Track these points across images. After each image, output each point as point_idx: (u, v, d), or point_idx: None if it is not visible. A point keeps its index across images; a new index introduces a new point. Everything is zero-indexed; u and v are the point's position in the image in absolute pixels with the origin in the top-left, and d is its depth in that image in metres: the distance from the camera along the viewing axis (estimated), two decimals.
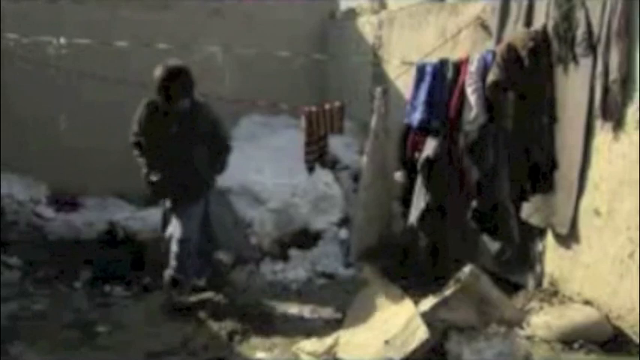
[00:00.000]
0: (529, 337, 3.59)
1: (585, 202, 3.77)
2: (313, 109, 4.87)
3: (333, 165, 5.88)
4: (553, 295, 3.95)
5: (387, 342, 3.35)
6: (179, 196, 4.39)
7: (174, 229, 4.39)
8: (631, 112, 3.45)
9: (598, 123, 3.65)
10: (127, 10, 6.27)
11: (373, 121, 4.88)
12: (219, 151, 4.51)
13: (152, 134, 4.34)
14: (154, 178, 4.34)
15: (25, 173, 6.19)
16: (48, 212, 6.12)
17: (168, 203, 4.49)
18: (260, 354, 3.64)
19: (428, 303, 3.60)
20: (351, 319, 3.77)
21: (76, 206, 6.15)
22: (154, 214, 4.92)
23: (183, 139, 4.29)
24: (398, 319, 3.44)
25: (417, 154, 4.18)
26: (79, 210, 6.08)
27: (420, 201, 4.13)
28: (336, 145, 5.82)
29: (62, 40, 4.45)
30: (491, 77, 3.75)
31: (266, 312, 4.22)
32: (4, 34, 4.95)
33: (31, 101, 6.29)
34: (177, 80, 4.21)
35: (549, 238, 4.07)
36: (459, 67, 4.02)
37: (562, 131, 3.84)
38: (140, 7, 6.53)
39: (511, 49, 3.75)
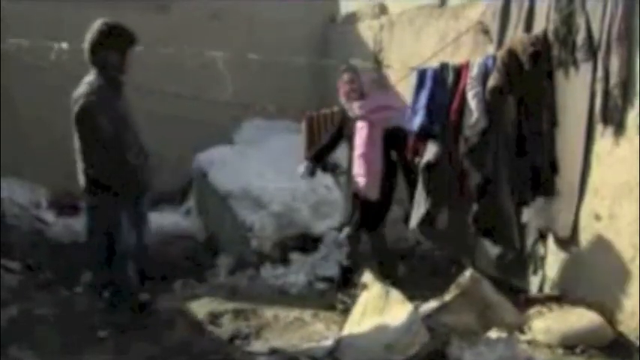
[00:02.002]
0: (530, 342, 3.59)
1: (586, 207, 3.77)
2: (314, 113, 4.88)
3: (333, 169, 5.88)
4: (555, 299, 3.94)
5: (387, 346, 3.35)
6: (145, 186, 3.95)
7: (146, 229, 4.09)
8: (632, 117, 3.46)
9: (599, 128, 3.66)
10: (128, 14, 6.28)
11: None
12: None
13: (110, 117, 3.70)
14: (136, 160, 3.75)
15: (27, 177, 6.20)
16: (49, 216, 6.14)
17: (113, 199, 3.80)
18: (261, 358, 3.63)
19: (429, 307, 3.60)
20: (352, 323, 3.77)
21: (77, 210, 6.16)
22: (157, 218, 4.90)
23: (130, 116, 3.84)
24: (399, 323, 3.44)
25: (417, 159, 4.19)
26: (80, 214, 6.07)
27: (420, 206, 4.13)
28: (337, 149, 5.82)
29: (64, 45, 4.45)
30: (491, 82, 3.76)
31: (266, 316, 4.22)
32: (6, 38, 4.96)
33: (32, 105, 6.31)
34: (133, 40, 3.73)
35: (550, 242, 4.08)
36: (460, 71, 4.03)
37: (563, 136, 3.84)
38: (141, 10, 6.55)
39: (512, 53, 3.76)
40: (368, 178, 4.48)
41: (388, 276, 4.46)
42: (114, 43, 3.70)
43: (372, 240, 4.69)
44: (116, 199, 3.81)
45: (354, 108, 4.51)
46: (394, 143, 4.44)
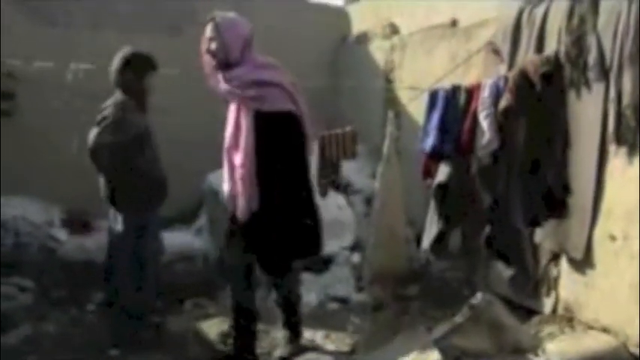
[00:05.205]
0: None
1: (600, 227, 3.74)
2: (326, 133, 4.90)
3: (345, 189, 5.88)
4: (568, 321, 3.90)
5: None
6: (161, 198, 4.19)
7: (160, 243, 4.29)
8: None
9: (612, 148, 3.64)
10: (142, 37, 6.36)
11: (385, 145, 4.89)
12: None
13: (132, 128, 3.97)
14: (154, 172, 4.04)
15: (40, 195, 6.24)
16: (61, 234, 6.16)
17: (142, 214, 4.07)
18: None
19: (441, 329, 3.57)
20: (364, 345, 3.75)
21: (89, 229, 6.19)
22: (168, 237, 4.91)
23: (151, 131, 4.11)
24: (411, 345, 3.42)
25: (429, 180, 4.19)
26: (93, 233, 6.11)
27: (432, 226, 4.13)
28: (349, 168, 5.82)
29: (80, 66, 4.53)
30: (503, 103, 3.77)
31: (278, 337, 4.20)
32: (21, 59, 5.04)
33: (45, 125, 6.37)
34: (154, 65, 4.08)
35: (563, 263, 4.04)
36: (471, 92, 4.04)
37: (575, 156, 3.83)
38: (154, 33, 6.62)
39: (523, 74, 3.77)
40: (241, 188, 3.35)
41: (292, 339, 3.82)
42: (136, 68, 4.03)
43: (276, 290, 3.76)
44: (137, 209, 4.02)
45: (219, 81, 3.43)
46: (273, 134, 3.34)
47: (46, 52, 5.50)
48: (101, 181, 4.06)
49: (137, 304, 4.06)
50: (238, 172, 3.35)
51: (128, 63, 4.03)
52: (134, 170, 3.96)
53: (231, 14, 3.50)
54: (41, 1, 6.28)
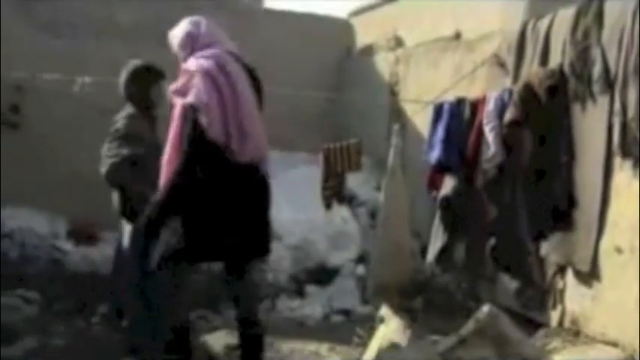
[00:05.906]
0: None
1: (606, 240, 3.73)
2: (331, 145, 4.91)
3: (350, 201, 5.88)
4: (575, 334, 3.88)
5: None
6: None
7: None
8: None
9: (617, 160, 3.64)
10: (147, 48, 6.40)
11: (390, 158, 4.90)
12: None
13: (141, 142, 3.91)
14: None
15: (46, 207, 6.27)
16: (67, 246, 6.18)
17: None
18: None
19: (446, 342, 3.56)
20: (369, 358, 3.73)
21: (96, 240, 6.20)
22: None
23: (159, 146, 3.94)
24: (416, 358, 3.40)
25: (434, 193, 4.19)
26: (98, 244, 6.12)
27: (437, 239, 4.13)
28: (353, 181, 5.83)
29: (86, 78, 4.56)
30: (508, 116, 3.78)
31: (283, 349, 4.19)
32: (26, 71, 5.07)
33: (52, 136, 6.41)
34: (160, 76, 4.06)
35: (570, 275, 4.03)
36: (476, 105, 4.05)
37: (581, 169, 3.83)
38: (158, 44, 6.66)
39: (528, 87, 3.78)
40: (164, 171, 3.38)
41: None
42: (144, 80, 4.04)
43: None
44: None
45: None
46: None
47: (50, 63, 5.53)
48: (114, 194, 4.04)
49: (150, 316, 4.05)
50: (164, 158, 3.38)
51: (136, 75, 4.05)
52: (148, 181, 3.94)
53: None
54: (45, 11, 6.35)
